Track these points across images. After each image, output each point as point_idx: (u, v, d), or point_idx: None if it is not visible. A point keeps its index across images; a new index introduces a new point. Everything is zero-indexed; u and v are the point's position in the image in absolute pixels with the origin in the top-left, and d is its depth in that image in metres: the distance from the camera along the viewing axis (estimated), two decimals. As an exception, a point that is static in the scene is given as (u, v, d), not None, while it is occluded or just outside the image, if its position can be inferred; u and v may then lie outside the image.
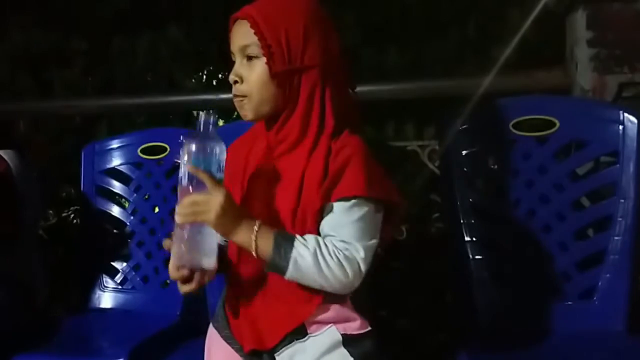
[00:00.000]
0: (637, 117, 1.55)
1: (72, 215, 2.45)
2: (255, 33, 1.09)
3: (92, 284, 1.92)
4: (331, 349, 1.11)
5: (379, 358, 1.15)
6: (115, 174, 2.00)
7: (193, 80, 2.85)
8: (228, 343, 1.19)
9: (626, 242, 1.52)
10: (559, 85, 1.89)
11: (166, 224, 1.89)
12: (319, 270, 1.06)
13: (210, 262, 1.08)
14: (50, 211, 2.46)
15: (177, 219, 1.06)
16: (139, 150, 1.98)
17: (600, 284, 1.53)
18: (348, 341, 1.12)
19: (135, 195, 1.96)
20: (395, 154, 2.04)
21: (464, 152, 1.64)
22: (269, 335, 1.12)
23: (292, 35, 1.10)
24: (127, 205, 1.98)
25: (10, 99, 2.46)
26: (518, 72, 1.88)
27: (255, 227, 1.06)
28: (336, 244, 1.07)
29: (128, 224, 1.95)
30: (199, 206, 1.04)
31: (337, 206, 1.09)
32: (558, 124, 1.60)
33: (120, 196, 2.00)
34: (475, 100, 1.72)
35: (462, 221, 1.60)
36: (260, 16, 1.09)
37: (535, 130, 1.63)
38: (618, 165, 1.55)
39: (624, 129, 1.55)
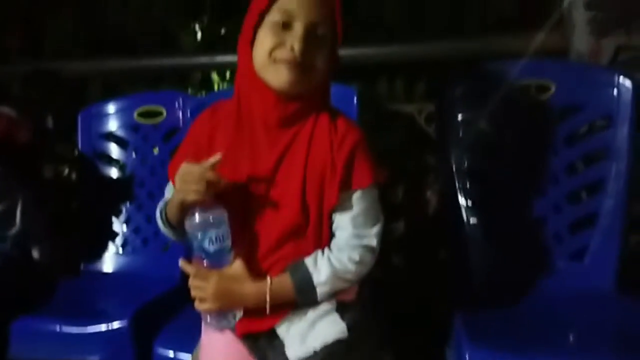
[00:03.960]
0: (632, 81, 1.55)
1: (67, 171, 2.44)
2: (333, 16, 1.10)
3: (92, 247, 1.94)
4: (324, 314, 1.14)
5: (367, 322, 1.19)
6: (112, 137, 2.00)
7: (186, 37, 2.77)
8: None
9: (618, 204, 1.55)
10: (555, 48, 1.89)
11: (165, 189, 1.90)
12: (344, 282, 1.14)
13: (239, 314, 1.14)
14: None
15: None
16: (135, 114, 1.97)
17: (591, 245, 1.57)
18: (340, 307, 1.16)
19: (133, 158, 1.97)
20: (391, 117, 2.04)
21: (459, 115, 1.64)
22: (270, 318, 1.14)
23: (338, 18, 1.12)
24: (125, 168, 1.98)
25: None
26: (514, 35, 1.87)
27: (268, 291, 1.11)
28: (350, 243, 1.13)
29: (127, 187, 1.95)
30: (199, 292, 1.11)
31: (351, 197, 1.12)
32: (554, 88, 1.61)
33: (118, 160, 2.00)
34: (471, 62, 1.71)
35: (457, 184, 1.63)
36: None
37: (531, 94, 1.64)
38: (612, 128, 1.56)
39: (619, 92, 1.56)
